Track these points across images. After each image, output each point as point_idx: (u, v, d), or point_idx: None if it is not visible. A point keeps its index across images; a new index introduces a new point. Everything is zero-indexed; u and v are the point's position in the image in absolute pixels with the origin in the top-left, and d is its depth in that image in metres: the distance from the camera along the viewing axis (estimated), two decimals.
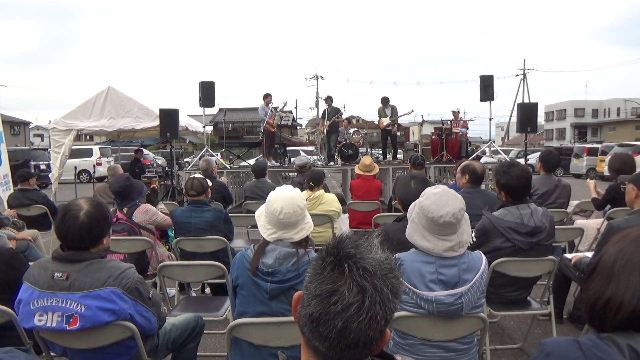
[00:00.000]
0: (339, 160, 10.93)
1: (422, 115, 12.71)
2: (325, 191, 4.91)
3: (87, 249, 2.01)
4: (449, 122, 11.12)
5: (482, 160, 11.06)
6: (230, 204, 5.86)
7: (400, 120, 11.96)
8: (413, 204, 2.16)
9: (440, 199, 1.99)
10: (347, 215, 5.59)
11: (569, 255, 3.44)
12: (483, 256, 2.10)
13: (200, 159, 11.10)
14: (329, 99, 11.54)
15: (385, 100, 11.32)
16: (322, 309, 0.83)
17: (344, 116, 12.52)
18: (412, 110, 11.95)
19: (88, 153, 20.27)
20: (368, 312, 0.82)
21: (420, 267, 1.99)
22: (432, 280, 1.97)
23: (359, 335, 0.83)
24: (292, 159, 10.33)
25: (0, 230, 4.36)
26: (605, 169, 18.13)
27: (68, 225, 1.97)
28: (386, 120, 11.19)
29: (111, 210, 2.84)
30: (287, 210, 2.00)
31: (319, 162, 11.27)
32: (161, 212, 4.18)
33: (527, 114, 9.62)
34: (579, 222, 4.67)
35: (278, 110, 11.39)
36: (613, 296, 1.02)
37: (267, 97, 10.91)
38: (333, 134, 11.40)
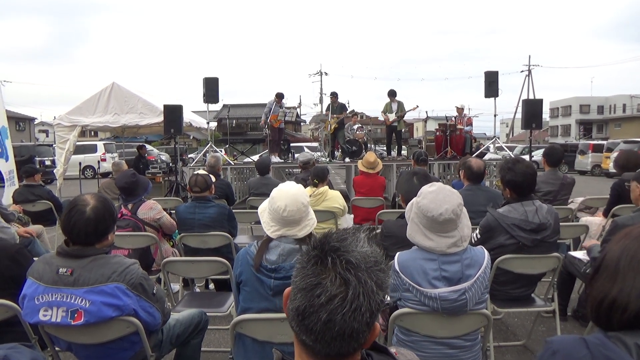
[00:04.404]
0: (346, 158, 10.86)
1: (427, 112, 12.74)
2: (330, 188, 4.90)
3: (93, 245, 2.02)
4: (453, 119, 11.08)
5: (487, 156, 11.01)
6: (233, 204, 5.85)
7: (405, 117, 11.89)
8: (410, 203, 2.15)
9: (437, 197, 1.98)
10: (352, 216, 5.56)
11: (582, 248, 3.40)
12: (485, 251, 2.09)
13: (204, 155, 11.11)
14: (333, 95, 11.48)
15: (392, 93, 11.24)
16: (306, 302, 0.85)
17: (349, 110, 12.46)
18: (417, 106, 11.88)
19: (93, 149, 20.37)
20: (352, 304, 0.83)
21: (423, 265, 1.99)
22: (435, 277, 1.96)
23: (344, 327, 0.83)
24: (296, 155, 10.30)
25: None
26: (610, 166, 18.05)
27: (74, 220, 1.98)
28: (392, 117, 11.14)
29: (116, 206, 2.84)
30: (290, 208, 2.00)
31: (323, 158, 11.23)
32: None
33: (532, 110, 9.58)
34: (584, 219, 4.65)
35: (280, 109, 11.30)
36: (619, 296, 1.00)
37: (277, 97, 10.84)
38: (340, 130, 11.35)
